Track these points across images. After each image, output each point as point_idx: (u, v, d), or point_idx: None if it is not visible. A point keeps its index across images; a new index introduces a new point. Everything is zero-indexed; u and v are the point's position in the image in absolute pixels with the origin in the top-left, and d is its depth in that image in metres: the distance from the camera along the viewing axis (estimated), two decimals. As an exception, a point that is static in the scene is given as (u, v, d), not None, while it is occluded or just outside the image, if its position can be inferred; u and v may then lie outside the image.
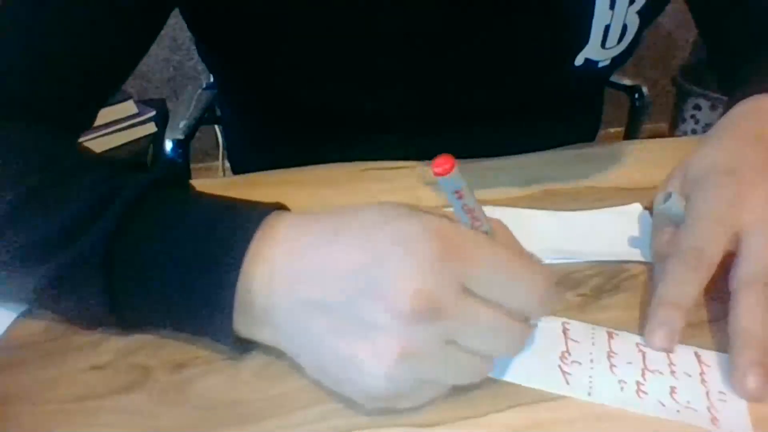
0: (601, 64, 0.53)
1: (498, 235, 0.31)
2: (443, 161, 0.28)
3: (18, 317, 0.37)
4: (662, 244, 0.40)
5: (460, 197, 0.29)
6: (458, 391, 0.31)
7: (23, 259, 0.33)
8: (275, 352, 0.33)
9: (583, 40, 0.51)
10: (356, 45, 0.50)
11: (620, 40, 0.51)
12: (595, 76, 0.54)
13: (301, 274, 0.30)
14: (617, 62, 0.54)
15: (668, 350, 0.34)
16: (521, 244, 0.32)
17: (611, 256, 0.42)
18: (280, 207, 0.34)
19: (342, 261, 0.29)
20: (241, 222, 0.32)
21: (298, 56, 0.51)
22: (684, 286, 0.35)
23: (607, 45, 0.51)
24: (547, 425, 0.30)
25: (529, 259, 0.31)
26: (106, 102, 0.50)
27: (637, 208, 0.47)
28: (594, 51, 0.51)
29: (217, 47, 0.56)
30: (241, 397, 0.32)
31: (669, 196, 0.39)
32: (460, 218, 0.30)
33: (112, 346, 0.35)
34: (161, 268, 0.32)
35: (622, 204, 0.47)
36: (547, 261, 0.41)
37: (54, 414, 0.31)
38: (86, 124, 0.50)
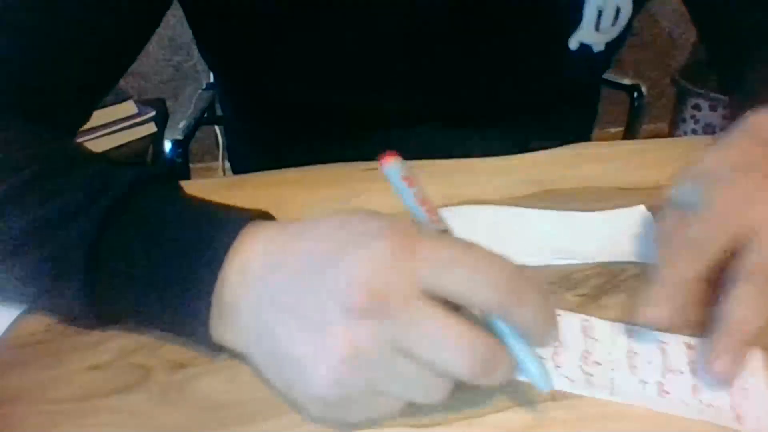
0: (596, 49, 0.54)
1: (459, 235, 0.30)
2: (386, 154, 0.28)
3: (18, 317, 0.37)
4: (667, 225, 0.38)
5: (410, 185, 0.29)
6: (458, 390, 0.31)
7: (9, 249, 0.34)
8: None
9: (576, 21, 0.51)
10: (355, 45, 0.50)
11: (614, 23, 0.52)
12: (591, 62, 0.55)
13: (267, 272, 0.30)
14: (611, 48, 0.55)
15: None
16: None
17: (612, 256, 0.42)
18: (265, 214, 0.34)
19: (302, 259, 0.30)
20: (224, 223, 0.32)
21: (299, 56, 0.51)
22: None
23: (601, 28, 0.52)
24: (547, 425, 0.30)
25: (491, 253, 0.29)
26: (101, 101, 0.50)
27: (640, 209, 0.46)
28: (588, 34, 0.52)
29: (216, 46, 0.56)
30: (241, 397, 0.32)
31: (686, 187, 0.39)
32: (415, 213, 0.30)
33: (112, 346, 0.35)
34: (142, 261, 0.32)
35: (622, 204, 0.47)
36: (547, 261, 0.41)
37: (54, 414, 0.31)
38: (81, 122, 0.50)
